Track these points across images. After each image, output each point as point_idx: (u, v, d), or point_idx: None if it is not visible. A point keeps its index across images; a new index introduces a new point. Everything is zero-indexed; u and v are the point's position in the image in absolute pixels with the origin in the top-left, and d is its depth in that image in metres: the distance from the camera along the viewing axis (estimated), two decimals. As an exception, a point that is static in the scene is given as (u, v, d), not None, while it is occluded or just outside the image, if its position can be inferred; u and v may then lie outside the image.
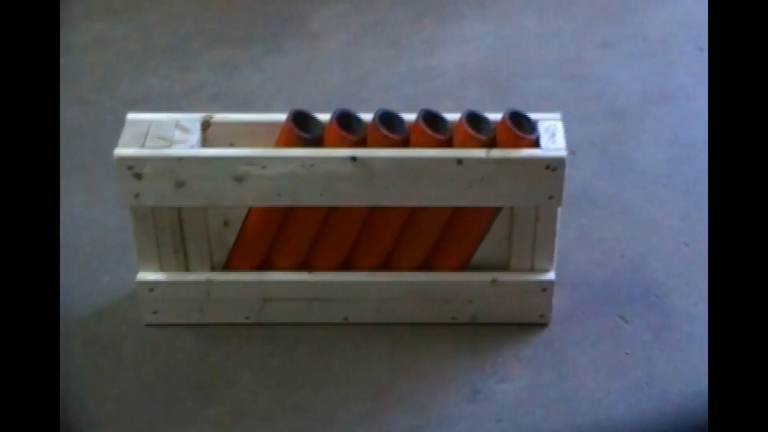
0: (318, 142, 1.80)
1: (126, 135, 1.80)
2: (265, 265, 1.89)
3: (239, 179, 1.76)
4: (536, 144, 1.78)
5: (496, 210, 1.84)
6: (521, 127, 1.78)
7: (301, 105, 1.87)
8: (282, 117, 1.81)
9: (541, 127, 1.81)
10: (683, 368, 1.82)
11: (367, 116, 1.81)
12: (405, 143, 1.79)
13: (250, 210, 1.84)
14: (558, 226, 1.82)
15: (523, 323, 1.90)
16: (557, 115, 1.85)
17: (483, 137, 1.78)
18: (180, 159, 1.75)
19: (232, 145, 1.85)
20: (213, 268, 1.88)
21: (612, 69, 2.67)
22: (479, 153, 1.75)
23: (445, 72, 2.66)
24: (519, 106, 1.85)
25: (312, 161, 1.74)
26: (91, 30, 2.83)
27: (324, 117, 1.81)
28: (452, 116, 1.81)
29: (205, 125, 1.86)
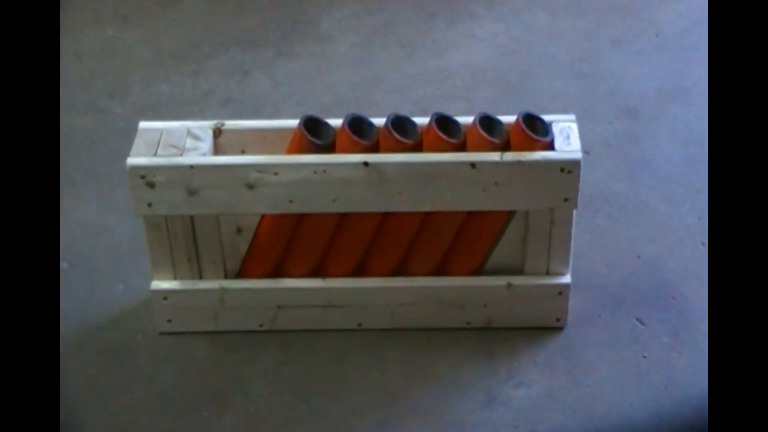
0: (330, 148, 1.79)
1: (138, 144, 1.79)
2: (278, 272, 1.88)
3: (251, 186, 1.75)
4: (550, 146, 1.76)
5: (511, 213, 1.82)
6: (535, 130, 1.77)
7: (312, 108, 1.87)
8: (293, 123, 1.80)
9: (555, 129, 1.79)
10: (702, 370, 1.79)
11: (379, 121, 1.80)
12: (417, 148, 1.78)
13: (263, 217, 1.84)
14: (573, 228, 1.81)
15: (539, 327, 1.88)
16: (571, 117, 1.83)
17: (496, 140, 1.76)
18: (192, 167, 1.74)
19: (243, 152, 1.84)
20: (226, 276, 1.87)
21: (625, 66, 2.65)
22: (493, 156, 1.73)
23: (456, 73, 2.65)
24: (531, 106, 1.83)
25: (324, 167, 1.73)
26: (101, 37, 2.83)
27: (336, 122, 1.80)
28: (465, 119, 1.80)
29: (217, 133, 1.85)
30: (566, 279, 1.85)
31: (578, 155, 1.74)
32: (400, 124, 1.78)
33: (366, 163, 1.73)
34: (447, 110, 1.82)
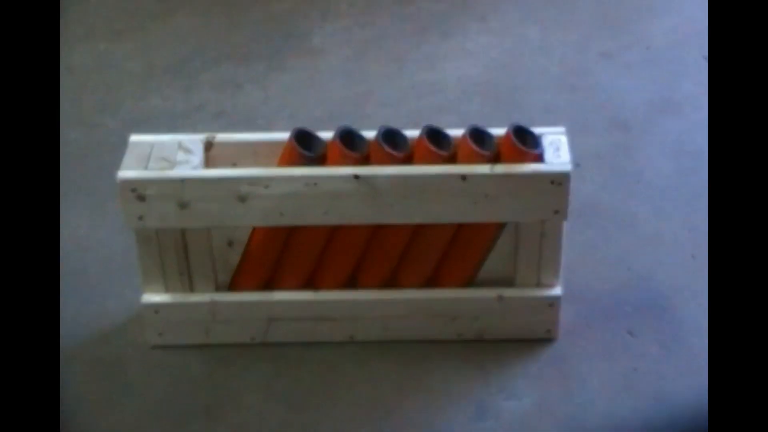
0: (321, 161, 1.79)
1: (129, 157, 1.80)
2: (269, 285, 1.88)
3: (242, 199, 1.75)
4: (540, 159, 1.77)
5: (501, 226, 1.83)
6: (525, 142, 1.78)
7: (304, 122, 1.87)
8: (284, 136, 1.81)
9: (545, 141, 1.80)
10: (693, 382, 1.80)
11: (369, 134, 1.80)
12: (408, 160, 1.78)
13: (254, 230, 1.84)
14: (564, 240, 1.81)
15: (530, 339, 1.88)
16: (561, 129, 1.84)
17: (487, 153, 1.77)
18: (183, 180, 1.75)
19: (234, 165, 1.84)
20: (218, 289, 1.87)
21: (616, 79, 2.66)
22: (483, 169, 1.74)
23: (447, 86, 2.66)
24: (522, 119, 1.84)
25: (315, 180, 1.74)
26: (93, 51, 2.84)
27: (326, 135, 1.81)
28: (455, 132, 1.81)
29: (208, 146, 1.85)
30: (557, 291, 1.86)
31: (568, 167, 1.75)
32: (391, 136, 1.79)
33: (357, 176, 1.73)
34: (438, 123, 1.83)
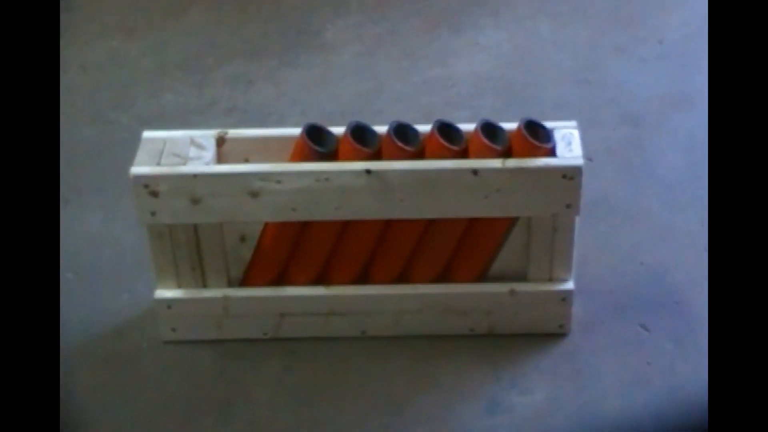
0: (332, 156, 1.79)
1: (141, 153, 1.80)
2: (281, 280, 1.89)
3: (254, 195, 1.76)
4: (552, 153, 1.76)
5: (513, 220, 1.82)
6: (537, 136, 1.77)
7: (316, 117, 1.88)
8: (296, 131, 1.81)
9: (557, 136, 1.79)
10: (706, 377, 1.79)
11: (381, 129, 1.80)
12: (420, 155, 1.78)
13: (266, 225, 1.84)
14: (576, 234, 1.81)
15: (542, 334, 1.88)
16: (573, 123, 1.84)
17: (498, 147, 1.77)
18: (195, 176, 1.75)
19: (246, 160, 1.85)
20: (230, 284, 1.88)
21: (628, 74, 2.65)
22: (495, 163, 1.74)
23: (459, 81, 2.65)
24: (534, 114, 1.83)
25: (327, 175, 1.74)
26: (107, 48, 2.85)
27: (338, 130, 1.81)
28: (467, 126, 1.80)
29: (220, 141, 1.86)
30: (569, 285, 1.85)
31: (580, 161, 1.74)
32: (403, 131, 1.79)
33: (368, 171, 1.73)
34: (451, 118, 1.83)
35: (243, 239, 1.86)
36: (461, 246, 1.85)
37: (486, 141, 1.76)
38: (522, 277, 1.86)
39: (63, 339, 1.37)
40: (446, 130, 1.79)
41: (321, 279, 1.88)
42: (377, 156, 1.78)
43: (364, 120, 1.84)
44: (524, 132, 1.76)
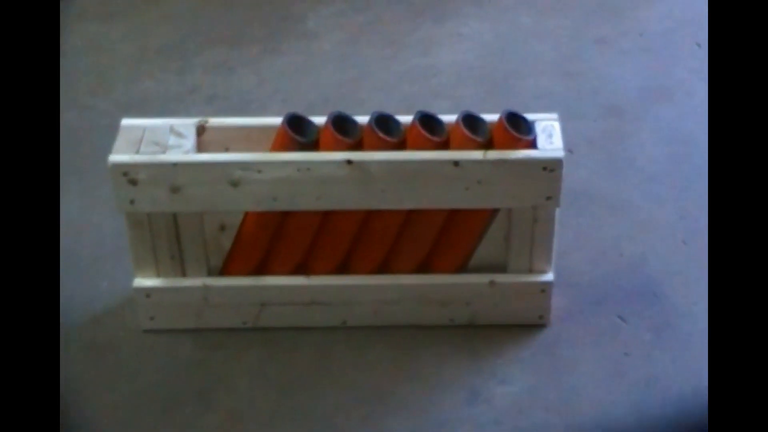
0: (314, 146, 1.79)
1: (120, 141, 1.79)
2: (262, 270, 1.88)
3: (235, 184, 1.75)
4: (533, 145, 1.77)
5: (494, 212, 1.83)
6: (518, 128, 1.78)
7: (298, 106, 1.87)
8: (277, 121, 1.80)
9: (538, 128, 1.80)
10: (684, 368, 1.81)
11: (362, 119, 1.80)
12: (401, 146, 1.78)
13: (246, 215, 1.84)
14: (556, 226, 1.82)
15: (522, 324, 1.89)
16: (554, 115, 1.84)
17: (479, 139, 1.77)
18: (175, 164, 1.74)
19: (227, 149, 1.84)
20: (210, 274, 1.87)
21: (609, 66, 2.66)
22: (476, 155, 1.74)
23: (441, 71, 2.65)
24: (516, 105, 1.84)
25: (308, 165, 1.73)
26: (86, 32, 2.82)
27: (319, 120, 1.80)
28: (448, 118, 1.80)
29: (200, 130, 1.85)
30: (549, 277, 1.86)
31: (560, 154, 1.75)
32: (384, 122, 1.79)
33: (349, 161, 1.73)
34: (432, 108, 1.83)
35: (223, 228, 1.85)
36: (442, 237, 1.85)
37: (467, 133, 1.76)
38: (502, 269, 1.86)
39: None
40: (428, 121, 1.79)
41: (302, 269, 1.88)
42: (358, 146, 1.78)
43: (346, 109, 1.83)
44: (505, 124, 1.76)
